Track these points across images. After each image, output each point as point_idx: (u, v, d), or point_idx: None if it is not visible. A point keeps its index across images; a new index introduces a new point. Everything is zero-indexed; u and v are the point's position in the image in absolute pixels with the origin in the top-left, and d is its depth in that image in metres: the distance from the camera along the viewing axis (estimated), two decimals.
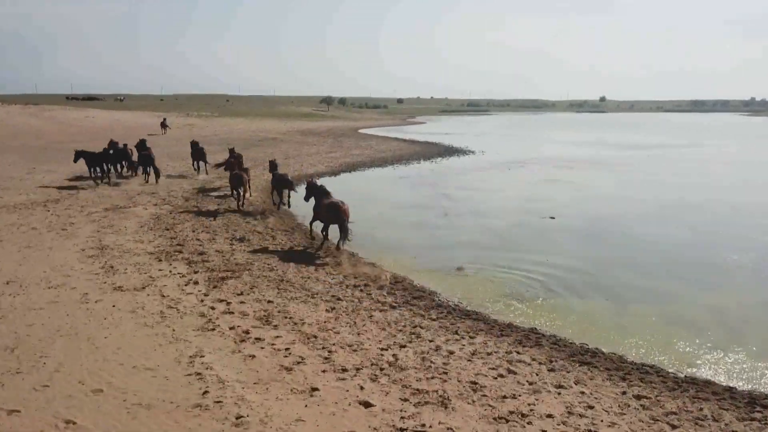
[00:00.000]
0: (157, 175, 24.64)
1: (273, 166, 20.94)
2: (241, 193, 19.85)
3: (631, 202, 24.69)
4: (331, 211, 14.41)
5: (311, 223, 15.73)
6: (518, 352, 8.61)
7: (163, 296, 10.80)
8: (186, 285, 11.50)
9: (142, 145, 26.00)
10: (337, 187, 29.01)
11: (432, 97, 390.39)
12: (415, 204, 23.67)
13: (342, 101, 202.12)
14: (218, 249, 14.40)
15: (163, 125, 57.39)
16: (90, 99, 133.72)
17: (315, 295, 11.01)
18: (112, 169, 25.15)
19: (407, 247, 16.20)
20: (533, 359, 8.38)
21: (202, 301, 10.58)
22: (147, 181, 24.58)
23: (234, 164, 21.85)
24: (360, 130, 78.44)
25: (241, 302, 10.55)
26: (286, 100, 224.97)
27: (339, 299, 10.81)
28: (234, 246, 14.84)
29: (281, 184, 19.87)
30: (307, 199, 15.89)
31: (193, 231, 16.42)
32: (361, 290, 11.47)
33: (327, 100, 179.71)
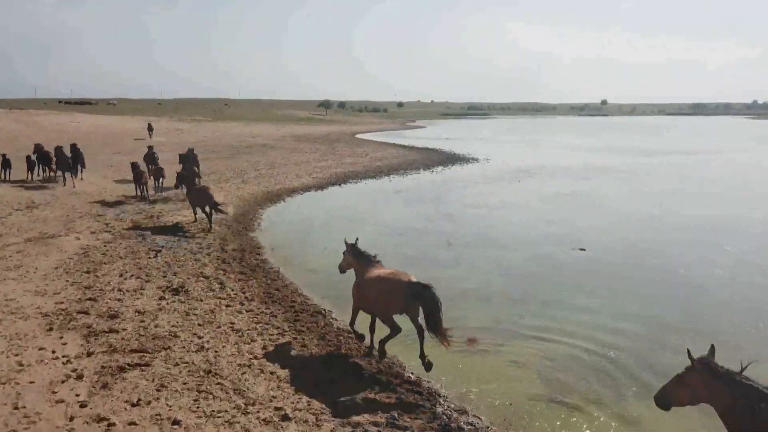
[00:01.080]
0: (64, 176, 25.06)
1: (135, 165, 24.56)
2: (143, 186, 22.26)
3: (665, 223, 20.97)
4: (199, 195, 17.87)
5: (192, 208, 18.41)
6: None
7: (16, 408, 6.96)
8: (64, 382, 7.66)
9: (66, 150, 26.05)
10: (325, 203, 25.35)
11: (432, 101, 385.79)
12: (412, 227, 19.82)
13: (341, 105, 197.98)
14: (140, 308, 10.52)
15: (150, 129, 54.19)
16: (82, 103, 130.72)
17: (250, 407, 7.10)
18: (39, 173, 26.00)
19: None
20: None
21: (71, 419, 6.74)
22: (64, 185, 24.51)
23: (136, 162, 23.74)
24: (357, 135, 74.65)
25: (131, 424, 6.70)
26: (285, 104, 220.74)
27: (286, 417, 6.92)
28: (163, 302, 10.95)
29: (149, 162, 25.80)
30: (176, 186, 20.67)
31: (121, 275, 12.58)
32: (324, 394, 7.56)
33: (325, 104, 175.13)
